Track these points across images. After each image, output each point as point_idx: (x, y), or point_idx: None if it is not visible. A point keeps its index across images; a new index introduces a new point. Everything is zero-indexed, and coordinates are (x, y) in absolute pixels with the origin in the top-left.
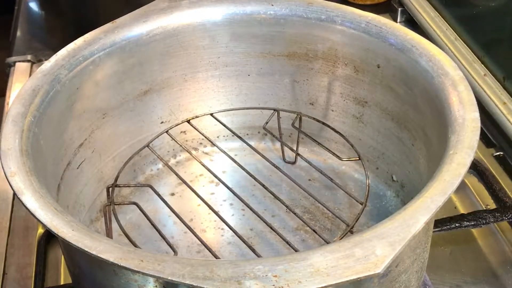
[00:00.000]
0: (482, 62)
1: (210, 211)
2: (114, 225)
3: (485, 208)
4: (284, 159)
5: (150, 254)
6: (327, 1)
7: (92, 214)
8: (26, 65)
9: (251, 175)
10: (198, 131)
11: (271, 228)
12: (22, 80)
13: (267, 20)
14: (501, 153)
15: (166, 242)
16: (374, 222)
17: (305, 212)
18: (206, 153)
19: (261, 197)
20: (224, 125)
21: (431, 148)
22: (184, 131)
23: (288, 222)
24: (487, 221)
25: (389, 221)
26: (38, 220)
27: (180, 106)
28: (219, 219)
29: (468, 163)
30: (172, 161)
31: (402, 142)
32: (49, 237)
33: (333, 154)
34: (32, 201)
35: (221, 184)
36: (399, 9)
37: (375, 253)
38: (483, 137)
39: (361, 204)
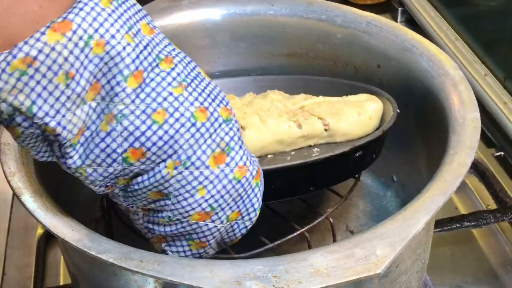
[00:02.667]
0: (483, 62)
1: None
2: (114, 225)
3: (485, 208)
4: None
5: (150, 254)
6: (327, 1)
7: (92, 214)
8: None
9: None
10: None
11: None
12: None
13: (267, 20)
14: (502, 153)
15: None
16: (375, 222)
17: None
18: None
19: None
20: None
21: (431, 148)
22: None
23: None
24: (488, 221)
25: (389, 221)
26: (38, 220)
27: None
28: None
29: (468, 163)
30: None
31: (402, 142)
32: (49, 238)
33: None
34: (32, 201)
35: None
36: (399, 9)
37: (376, 253)
38: (484, 137)
39: (342, 197)
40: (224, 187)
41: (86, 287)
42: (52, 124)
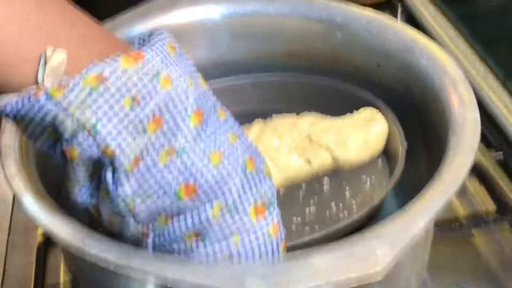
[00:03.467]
0: (483, 62)
1: None
2: None
3: (485, 209)
4: None
5: (150, 254)
6: (327, 0)
7: (92, 214)
8: None
9: None
10: None
11: None
12: None
13: (267, 19)
14: (501, 154)
15: None
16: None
17: None
18: None
19: None
20: None
21: (431, 148)
22: None
23: None
24: (488, 222)
25: (389, 222)
26: (38, 221)
27: None
28: None
29: (468, 164)
30: None
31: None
32: (49, 237)
33: None
34: (32, 202)
35: None
36: (400, 7)
37: (375, 253)
38: (483, 138)
39: None
40: (256, 238)
41: (86, 287)
42: (113, 145)
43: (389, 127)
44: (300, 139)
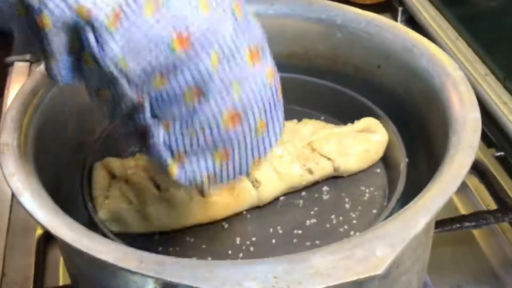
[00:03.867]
0: (483, 62)
1: None
2: None
3: (486, 209)
4: None
5: (149, 255)
6: (327, 1)
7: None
8: (25, 65)
9: None
10: None
11: None
12: (21, 80)
13: (267, 20)
14: (502, 153)
15: None
16: None
17: None
18: None
19: None
20: None
21: (431, 149)
22: None
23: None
24: (488, 221)
25: (389, 222)
26: (37, 221)
27: None
28: None
29: (469, 163)
30: None
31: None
32: (48, 238)
33: None
34: (31, 201)
35: None
36: (400, 8)
37: (376, 254)
38: (484, 137)
39: None
40: (256, 84)
41: (86, 287)
42: (86, 3)
43: (389, 135)
44: (302, 147)
